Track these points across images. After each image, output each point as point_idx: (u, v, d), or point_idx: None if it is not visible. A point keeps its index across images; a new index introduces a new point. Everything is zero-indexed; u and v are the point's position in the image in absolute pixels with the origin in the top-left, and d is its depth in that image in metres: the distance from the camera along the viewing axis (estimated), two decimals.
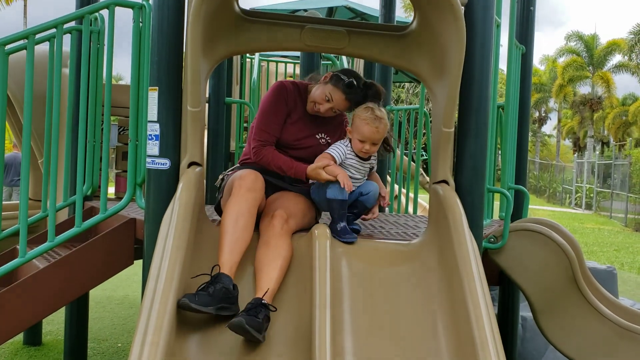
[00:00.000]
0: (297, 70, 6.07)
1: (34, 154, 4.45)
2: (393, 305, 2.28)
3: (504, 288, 3.80)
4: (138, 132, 2.67)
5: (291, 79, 6.58)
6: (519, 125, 3.57)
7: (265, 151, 2.54)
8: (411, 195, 4.89)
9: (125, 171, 4.21)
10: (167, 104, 2.37)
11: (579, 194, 27.79)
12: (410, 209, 4.55)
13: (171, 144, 2.39)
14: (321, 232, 2.39)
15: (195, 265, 2.25)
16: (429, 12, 2.42)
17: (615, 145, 38.28)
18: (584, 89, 35.49)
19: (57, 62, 2.71)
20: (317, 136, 2.66)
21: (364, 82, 2.59)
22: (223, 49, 2.51)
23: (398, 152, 5.48)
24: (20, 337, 4.59)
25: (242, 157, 2.72)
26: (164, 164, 2.37)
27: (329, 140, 2.66)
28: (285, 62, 6.42)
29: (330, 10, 7.61)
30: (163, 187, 2.37)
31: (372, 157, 2.64)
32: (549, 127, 51.98)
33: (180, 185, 2.28)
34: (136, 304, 5.86)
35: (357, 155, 2.55)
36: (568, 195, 29.67)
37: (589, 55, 32.71)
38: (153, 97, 2.37)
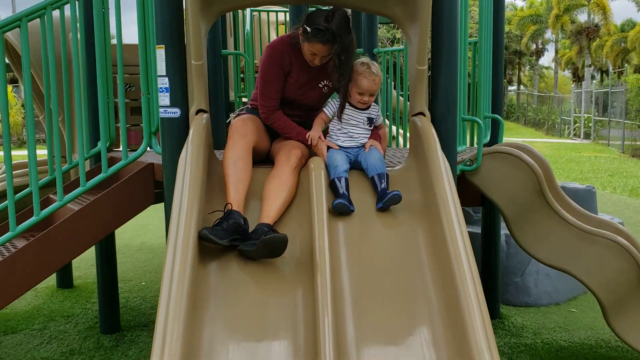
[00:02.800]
0: (288, 18, 6.28)
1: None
2: (381, 221, 2.66)
3: (487, 209, 4.19)
4: (149, 87, 3.00)
5: (282, 26, 6.77)
6: (494, 58, 3.87)
7: (274, 117, 2.83)
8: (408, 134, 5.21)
9: (135, 125, 4.57)
10: (173, 59, 2.69)
11: (578, 124, 27.97)
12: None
13: (179, 95, 2.73)
14: (316, 164, 2.76)
15: (208, 199, 2.62)
16: None
17: (614, 72, 38.05)
18: (582, 17, 35.14)
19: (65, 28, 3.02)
20: (319, 85, 2.91)
21: (326, 16, 2.65)
22: (218, 7, 2.80)
23: (394, 93, 5.78)
24: (53, 282, 5.06)
25: (251, 101, 3.02)
26: (175, 112, 2.71)
27: (330, 86, 2.91)
28: (276, 11, 6.63)
29: None
30: (175, 133, 2.72)
31: (372, 108, 2.90)
32: (547, 59, 51.55)
33: (191, 130, 2.64)
34: (153, 249, 6.32)
35: (353, 106, 2.85)
36: (567, 126, 29.86)
37: None
38: (160, 54, 2.69)
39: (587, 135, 26.78)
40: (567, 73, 49.45)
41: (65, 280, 5.04)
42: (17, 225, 2.80)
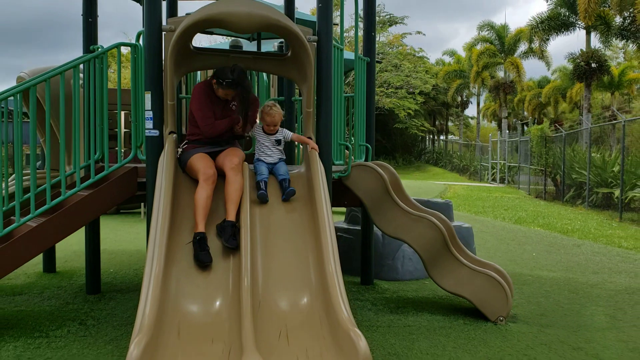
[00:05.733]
0: None
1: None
2: (283, 207, 4.32)
3: (364, 210, 5.99)
4: (137, 116, 4.67)
5: None
6: (367, 107, 5.74)
7: (214, 125, 4.41)
8: None
9: (111, 148, 6.17)
10: (156, 99, 4.39)
11: (495, 170, 30.81)
12: None
13: (158, 122, 4.40)
14: (246, 172, 4.47)
15: (176, 185, 4.27)
16: (296, 47, 4.54)
17: (533, 124, 41.59)
18: (501, 73, 38.81)
19: (76, 81, 4.68)
20: (230, 105, 4.51)
21: (231, 70, 4.21)
22: (185, 69, 4.56)
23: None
24: (40, 268, 6.51)
25: (188, 135, 4.62)
26: (156, 132, 4.39)
27: (236, 104, 4.48)
28: None
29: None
30: (156, 146, 4.38)
31: (279, 133, 4.66)
32: (473, 110, 55.45)
33: (166, 144, 4.31)
34: (113, 252, 7.79)
35: (265, 132, 4.60)
36: (486, 172, 32.78)
37: (501, 43, 35.86)
38: (148, 96, 4.38)
39: (503, 180, 29.66)
40: (494, 124, 53.50)
41: (50, 266, 6.49)
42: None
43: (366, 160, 5.66)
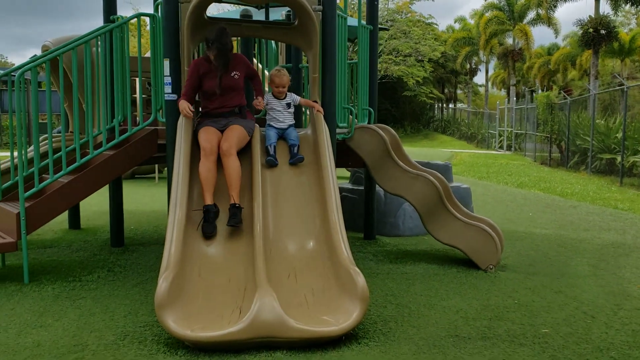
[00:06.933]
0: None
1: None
2: (290, 170, 4.69)
3: (367, 171, 6.39)
4: (156, 83, 5.06)
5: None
6: (370, 73, 6.09)
7: (179, 101, 4.59)
8: None
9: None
10: (174, 66, 4.77)
11: (502, 138, 30.98)
12: None
13: (176, 87, 4.80)
14: (256, 137, 4.84)
15: (194, 154, 4.67)
16: (302, 17, 4.89)
17: (542, 91, 41.53)
18: (510, 41, 38.62)
19: (101, 50, 5.06)
20: (232, 74, 4.76)
21: (211, 32, 4.46)
22: (200, 37, 4.92)
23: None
24: (65, 224, 6.99)
25: (201, 107, 4.96)
26: (174, 96, 4.78)
27: (239, 74, 4.74)
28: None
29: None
30: (174, 109, 4.77)
31: (288, 97, 5.04)
32: (482, 78, 55.30)
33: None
34: (131, 212, 8.27)
35: (275, 97, 4.98)
36: (494, 139, 32.96)
37: (510, 10, 35.65)
38: (167, 63, 4.77)
39: (510, 148, 29.86)
40: (503, 92, 53.33)
41: (75, 223, 6.98)
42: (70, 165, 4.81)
43: (368, 123, 6.04)
